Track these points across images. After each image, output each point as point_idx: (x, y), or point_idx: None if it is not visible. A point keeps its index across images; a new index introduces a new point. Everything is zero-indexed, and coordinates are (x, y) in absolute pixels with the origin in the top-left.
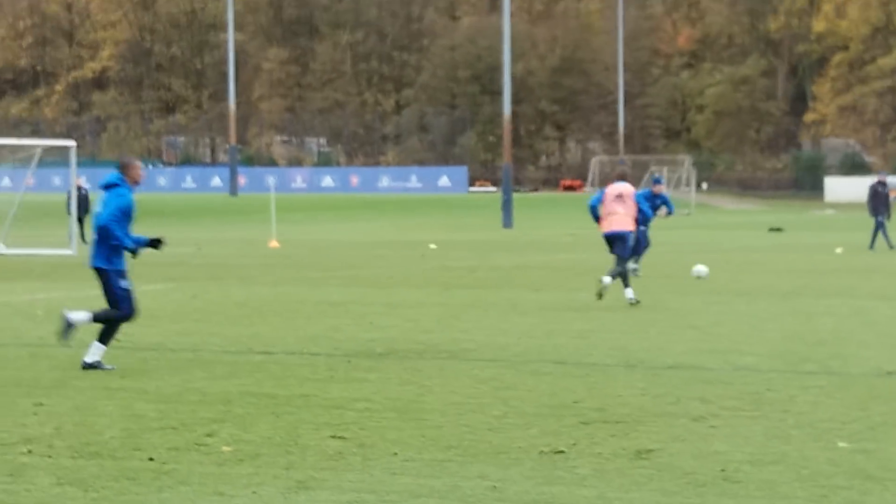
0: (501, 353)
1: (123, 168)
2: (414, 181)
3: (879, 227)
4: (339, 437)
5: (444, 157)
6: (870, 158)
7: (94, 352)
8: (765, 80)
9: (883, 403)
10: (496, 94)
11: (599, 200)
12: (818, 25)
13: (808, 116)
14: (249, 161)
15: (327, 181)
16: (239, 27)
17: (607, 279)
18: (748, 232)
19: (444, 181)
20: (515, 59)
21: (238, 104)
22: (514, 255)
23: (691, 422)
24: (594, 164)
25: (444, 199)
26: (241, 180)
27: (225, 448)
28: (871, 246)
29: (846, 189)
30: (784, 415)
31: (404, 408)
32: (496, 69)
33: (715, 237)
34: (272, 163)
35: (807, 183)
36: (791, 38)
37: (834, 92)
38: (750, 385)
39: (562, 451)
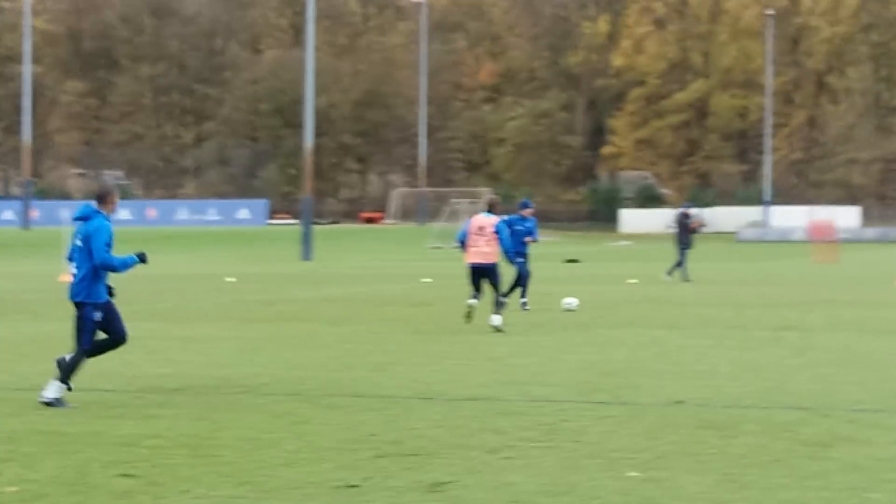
0: (298, 387)
1: (103, 198)
2: (213, 214)
3: (682, 257)
4: (129, 476)
5: (244, 189)
6: (665, 191)
7: (55, 389)
8: (564, 114)
9: (672, 432)
10: (298, 126)
11: (465, 234)
12: (617, 60)
13: (606, 150)
14: (43, 194)
15: (124, 214)
16: (36, 59)
17: (497, 319)
18: (545, 263)
19: (243, 214)
20: (318, 92)
21: (33, 137)
22: (313, 287)
23: (486, 453)
24: (395, 196)
25: (243, 232)
26: (34, 213)
27: (9, 488)
28: (671, 274)
29: (641, 221)
30: (577, 445)
31: (197, 444)
32: (299, 102)
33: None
34: (67, 196)
35: (603, 215)
36: (590, 72)
37: (631, 126)
38: (544, 416)
39: (356, 486)
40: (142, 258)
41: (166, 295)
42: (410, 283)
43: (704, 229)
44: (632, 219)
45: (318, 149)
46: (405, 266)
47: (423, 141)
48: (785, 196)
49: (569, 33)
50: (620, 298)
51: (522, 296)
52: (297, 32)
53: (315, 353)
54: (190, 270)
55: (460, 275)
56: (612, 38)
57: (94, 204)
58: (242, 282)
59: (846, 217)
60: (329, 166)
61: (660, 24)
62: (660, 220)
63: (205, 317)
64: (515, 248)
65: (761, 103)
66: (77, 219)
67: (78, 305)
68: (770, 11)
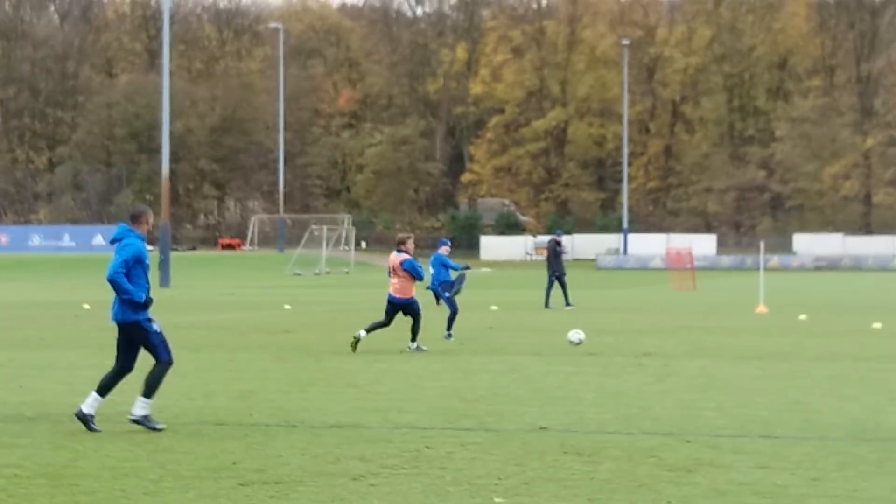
0: (159, 416)
1: (136, 218)
2: (67, 240)
3: (551, 284)
4: None
5: (99, 215)
6: (524, 218)
7: (142, 406)
8: (424, 141)
9: (536, 458)
10: (154, 151)
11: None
12: (475, 88)
13: (465, 177)
14: None
15: None
16: None
17: (412, 345)
18: None
19: (98, 240)
20: (174, 117)
21: None
22: (172, 314)
23: (350, 481)
24: (253, 222)
25: (98, 259)
26: None
27: None
28: (568, 303)
29: (501, 248)
30: (442, 472)
31: (56, 473)
32: (154, 127)
33: (372, 295)
34: None
35: (463, 242)
36: (449, 100)
37: (490, 153)
38: (409, 443)
39: None
40: (146, 302)
41: (21, 322)
42: (271, 310)
43: (565, 256)
44: (492, 246)
45: (174, 174)
46: (265, 293)
47: (281, 167)
48: (642, 224)
49: (427, 60)
50: (482, 325)
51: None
52: (153, 56)
53: (175, 381)
54: (45, 297)
55: (321, 301)
56: (471, 65)
57: (128, 223)
58: (99, 309)
59: (702, 245)
60: (186, 192)
61: (517, 52)
62: (520, 247)
63: (62, 344)
64: (446, 276)
65: (618, 132)
66: (114, 241)
67: (125, 325)
68: (626, 41)
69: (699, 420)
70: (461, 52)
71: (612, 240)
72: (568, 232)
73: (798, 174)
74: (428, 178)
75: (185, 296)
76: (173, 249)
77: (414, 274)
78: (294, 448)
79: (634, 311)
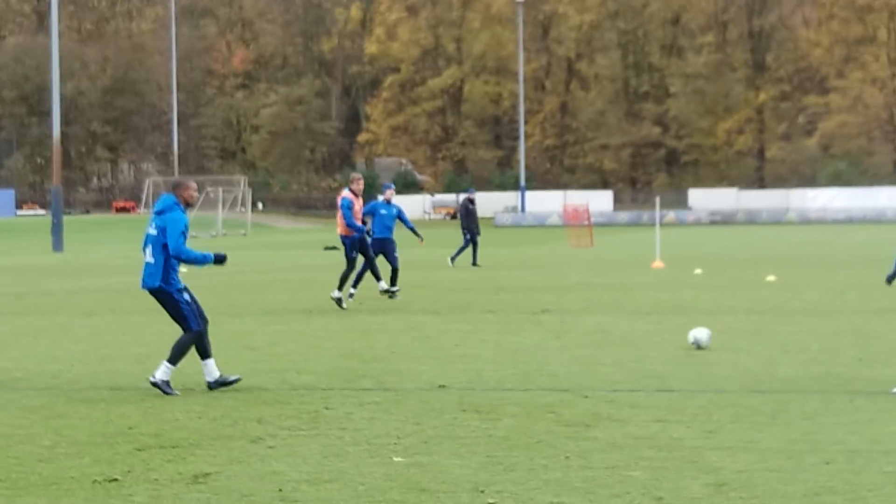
0: (53, 381)
1: (177, 188)
2: None
3: (469, 243)
4: None
5: None
6: (421, 177)
7: (164, 371)
8: (319, 101)
9: (435, 417)
10: (45, 114)
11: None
12: (370, 47)
13: (362, 136)
14: None
15: None
16: None
17: (335, 293)
18: (303, 251)
19: None
20: (65, 79)
21: None
22: (66, 279)
23: (249, 443)
24: (148, 184)
25: None
26: None
27: None
28: (453, 261)
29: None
30: (341, 432)
31: None
32: (45, 89)
33: (270, 257)
34: None
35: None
36: (344, 59)
37: (386, 112)
38: (308, 404)
39: (116, 479)
40: (218, 258)
41: None
42: None
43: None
44: None
45: (66, 137)
46: None
47: (175, 128)
48: (540, 181)
49: (322, 19)
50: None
51: (354, 286)
52: (41, 17)
53: (70, 346)
54: None
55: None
56: (366, 24)
57: (172, 194)
58: None
59: (599, 201)
60: (78, 155)
61: (412, 10)
62: (418, 206)
63: None
64: (382, 233)
65: (514, 90)
66: (157, 213)
67: (156, 292)
68: None
69: (596, 375)
70: (355, 11)
71: (509, 197)
72: (465, 190)
73: (692, 130)
74: (324, 137)
75: (79, 260)
76: (66, 213)
77: (343, 214)
78: (191, 412)
79: (532, 268)
